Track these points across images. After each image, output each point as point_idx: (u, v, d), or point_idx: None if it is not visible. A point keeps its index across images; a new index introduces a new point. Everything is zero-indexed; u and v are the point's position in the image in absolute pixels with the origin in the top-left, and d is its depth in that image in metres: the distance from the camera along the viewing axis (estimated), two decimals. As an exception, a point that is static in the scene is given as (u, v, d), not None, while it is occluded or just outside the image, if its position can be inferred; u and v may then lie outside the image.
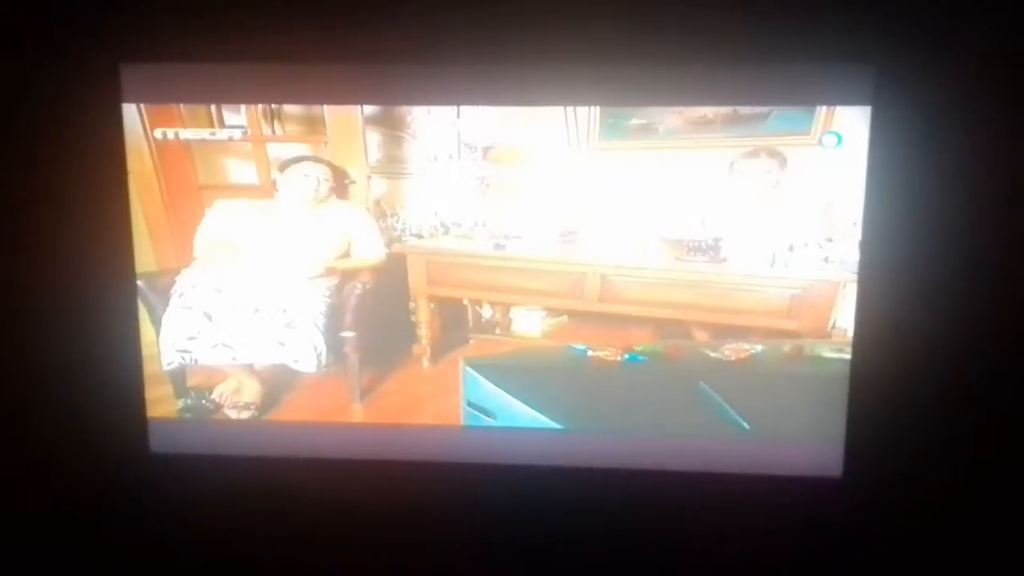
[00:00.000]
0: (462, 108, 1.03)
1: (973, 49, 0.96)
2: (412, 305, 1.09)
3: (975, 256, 1.01)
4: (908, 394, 1.04)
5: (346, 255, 1.08)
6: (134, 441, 1.12)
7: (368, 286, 1.08)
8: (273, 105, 1.05)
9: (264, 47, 1.01)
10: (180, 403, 1.11)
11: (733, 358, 1.06)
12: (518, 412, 1.08)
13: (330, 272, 1.08)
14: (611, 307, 1.07)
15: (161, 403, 1.11)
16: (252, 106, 1.05)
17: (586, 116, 1.01)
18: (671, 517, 1.10)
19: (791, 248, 1.02)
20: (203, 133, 1.06)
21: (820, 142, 1.00)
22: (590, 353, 1.08)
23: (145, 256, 1.08)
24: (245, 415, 1.11)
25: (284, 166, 1.06)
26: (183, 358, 1.09)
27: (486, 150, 1.04)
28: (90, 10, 1.02)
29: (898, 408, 1.05)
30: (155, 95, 1.05)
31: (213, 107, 1.05)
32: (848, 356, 1.03)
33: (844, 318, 1.03)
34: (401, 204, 1.07)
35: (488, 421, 1.09)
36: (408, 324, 1.10)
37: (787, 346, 1.05)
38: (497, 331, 1.11)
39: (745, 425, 1.06)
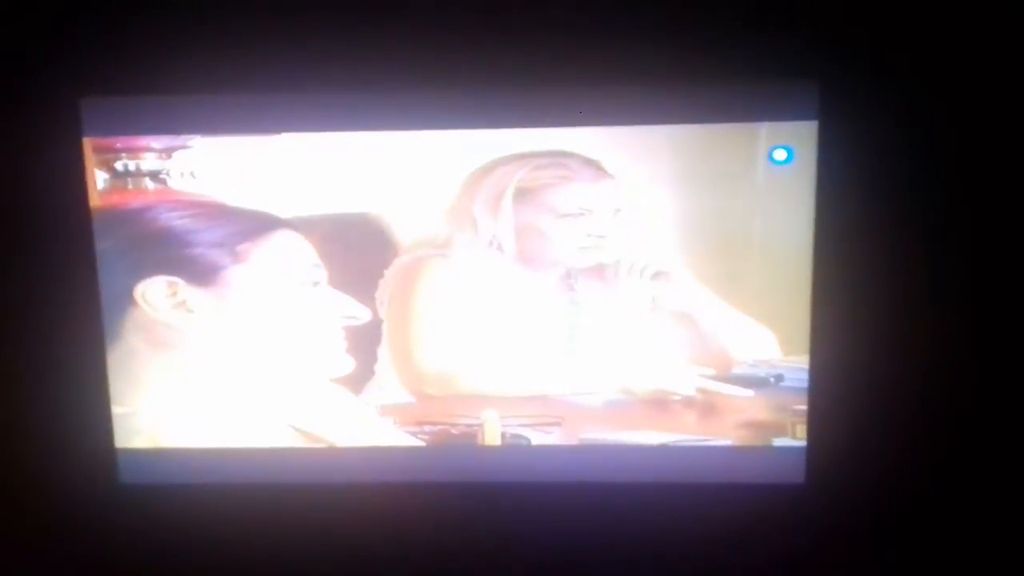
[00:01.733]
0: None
1: (918, 61, 0.99)
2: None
3: (931, 259, 1.03)
4: (869, 397, 1.06)
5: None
6: (102, 472, 1.11)
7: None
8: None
9: (232, 78, 1.02)
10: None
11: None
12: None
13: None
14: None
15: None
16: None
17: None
18: (629, 528, 1.11)
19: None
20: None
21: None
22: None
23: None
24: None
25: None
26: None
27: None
28: (47, 44, 1.03)
29: (860, 411, 1.06)
30: (117, 128, 1.05)
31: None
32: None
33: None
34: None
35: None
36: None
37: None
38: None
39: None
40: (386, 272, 1.08)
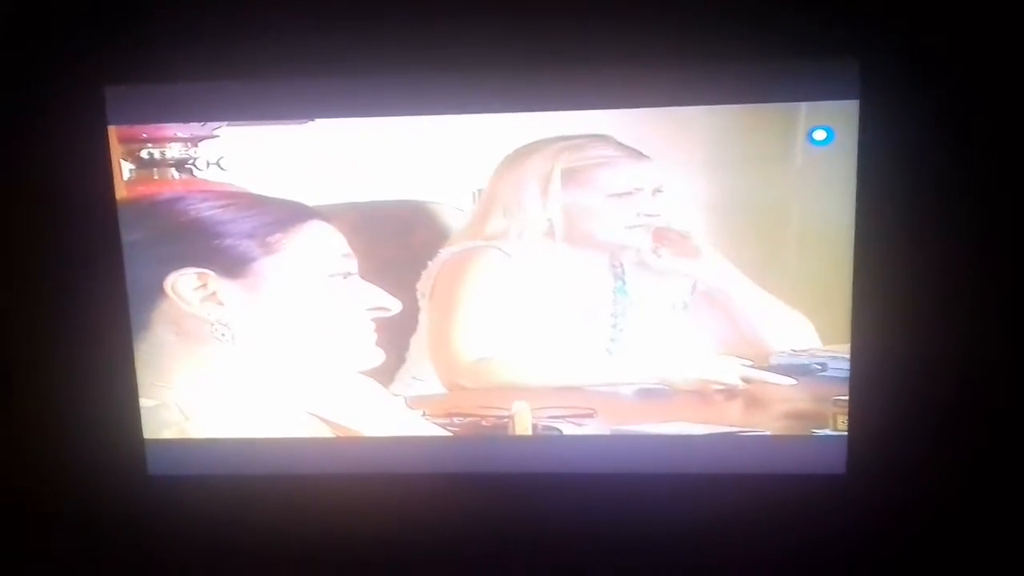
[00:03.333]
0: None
1: (960, 39, 0.96)
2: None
3: (975, 243, 1.00)
4: (911, 387, 1.03)
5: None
6: (131, 464, 1.11)
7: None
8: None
9: (259, 63, 1.00)
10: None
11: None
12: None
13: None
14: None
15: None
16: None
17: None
18: (671, 519, 1.09)
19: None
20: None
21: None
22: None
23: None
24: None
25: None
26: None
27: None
28: (71, 32, 1.02)
29: (901, 402, 1.04)
30: (142, 117, 1.04)
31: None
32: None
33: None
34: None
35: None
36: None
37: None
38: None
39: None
40: (430, 263, 1.07)
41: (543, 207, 1.04)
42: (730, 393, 1.06)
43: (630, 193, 1.03)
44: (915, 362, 1.03)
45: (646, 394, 1.07)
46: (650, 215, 1.04)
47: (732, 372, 1.06)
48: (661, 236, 1.04)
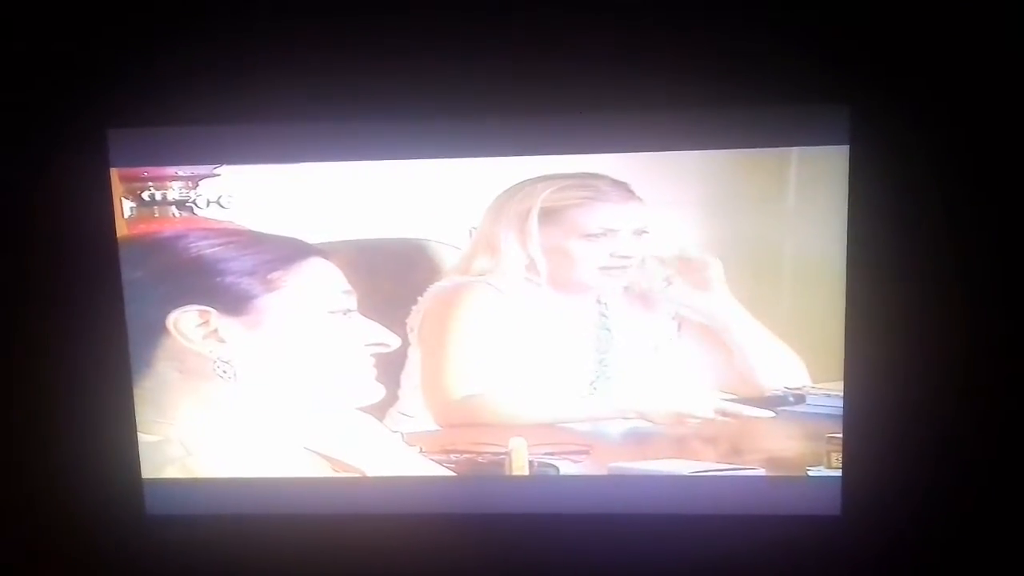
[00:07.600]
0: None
1: (949, 86, 0.98)
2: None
3: (966, 285, 1.01)
4: (906, 425, 1.04)
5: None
6: (129, 503, 1.11)
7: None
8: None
9: (257, 108, 1.02)
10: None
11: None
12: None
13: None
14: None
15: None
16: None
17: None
18: (667, 560, 1.09)
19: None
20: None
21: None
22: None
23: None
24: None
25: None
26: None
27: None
28: (75, 76, 1.03)
29: (897, 439, 1.04)
30: (143, 158, 1.06)
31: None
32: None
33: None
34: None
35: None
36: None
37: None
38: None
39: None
40: (419, 299, 1.08)
41: (521, 248, 1.06)
42: (720, 429, 1.06)
43: (605, 234, 1.04)
44: (910, 400, 1.03)
45: (637, 431, 1.07)
46: (625, 256, 1.05)
47: (707, 406, 1.06)
48: (680, 263, 1.05)
